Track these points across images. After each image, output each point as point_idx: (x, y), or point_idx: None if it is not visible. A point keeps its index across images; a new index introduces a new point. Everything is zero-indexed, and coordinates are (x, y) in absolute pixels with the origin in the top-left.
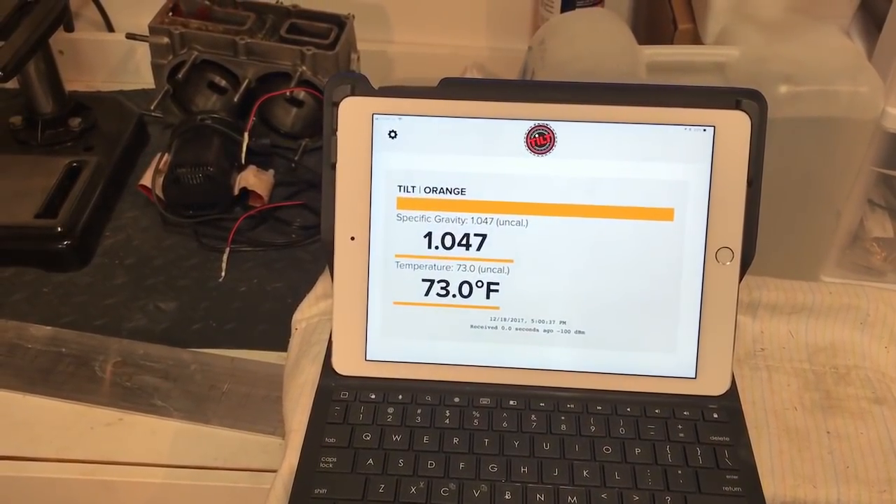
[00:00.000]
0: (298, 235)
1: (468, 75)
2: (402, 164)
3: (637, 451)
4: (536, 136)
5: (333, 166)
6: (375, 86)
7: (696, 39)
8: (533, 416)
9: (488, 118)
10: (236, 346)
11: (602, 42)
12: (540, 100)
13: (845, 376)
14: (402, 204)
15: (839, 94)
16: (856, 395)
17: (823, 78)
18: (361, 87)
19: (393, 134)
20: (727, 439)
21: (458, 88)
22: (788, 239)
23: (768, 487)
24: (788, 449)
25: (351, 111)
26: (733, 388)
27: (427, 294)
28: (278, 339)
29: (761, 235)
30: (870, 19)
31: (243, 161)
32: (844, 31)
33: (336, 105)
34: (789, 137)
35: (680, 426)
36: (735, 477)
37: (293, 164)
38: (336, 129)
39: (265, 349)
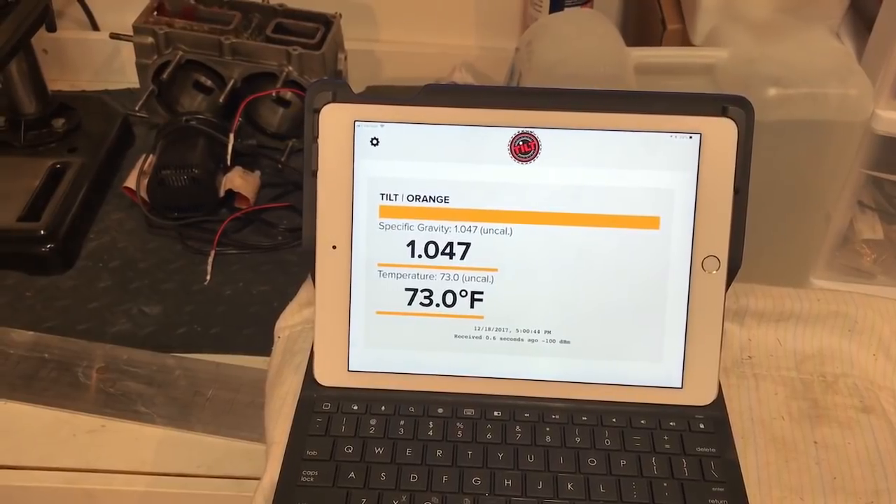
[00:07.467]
0: (285, 238)
1: (457, 75)
2: (385, 172)
3: (622, 463)
4: (520, 143)
5: (314, 174)
6: (363, 85)
7: (685, 39)
8: (518, 427)
9: (472, 125)
10: (221, 350)
11: (589, 44)
12: (524, 107)
13: (833, 384)
14: (384, 212)
15: (829, 97)
16: (843, 404)
17: (813, 80)
18: (343, 93)
19: (375, 141)
20: (713, 450)
21: (441, 95)
22: (778, 241)
23: (755, 499)
24: (775, 460)
25: (332, 118)
26: (720, 398)
27: (410, 303)
28: (264, 343)
29: (751, 237)
30: (859, 20)
31: (229, 162)
32: (834, 33)
33: (317, 112)
34: (779, 140)
35: (666, 437)
36: (721, 489)
37: (280, 166)
38: (317, 137)
39: (250, 353)
